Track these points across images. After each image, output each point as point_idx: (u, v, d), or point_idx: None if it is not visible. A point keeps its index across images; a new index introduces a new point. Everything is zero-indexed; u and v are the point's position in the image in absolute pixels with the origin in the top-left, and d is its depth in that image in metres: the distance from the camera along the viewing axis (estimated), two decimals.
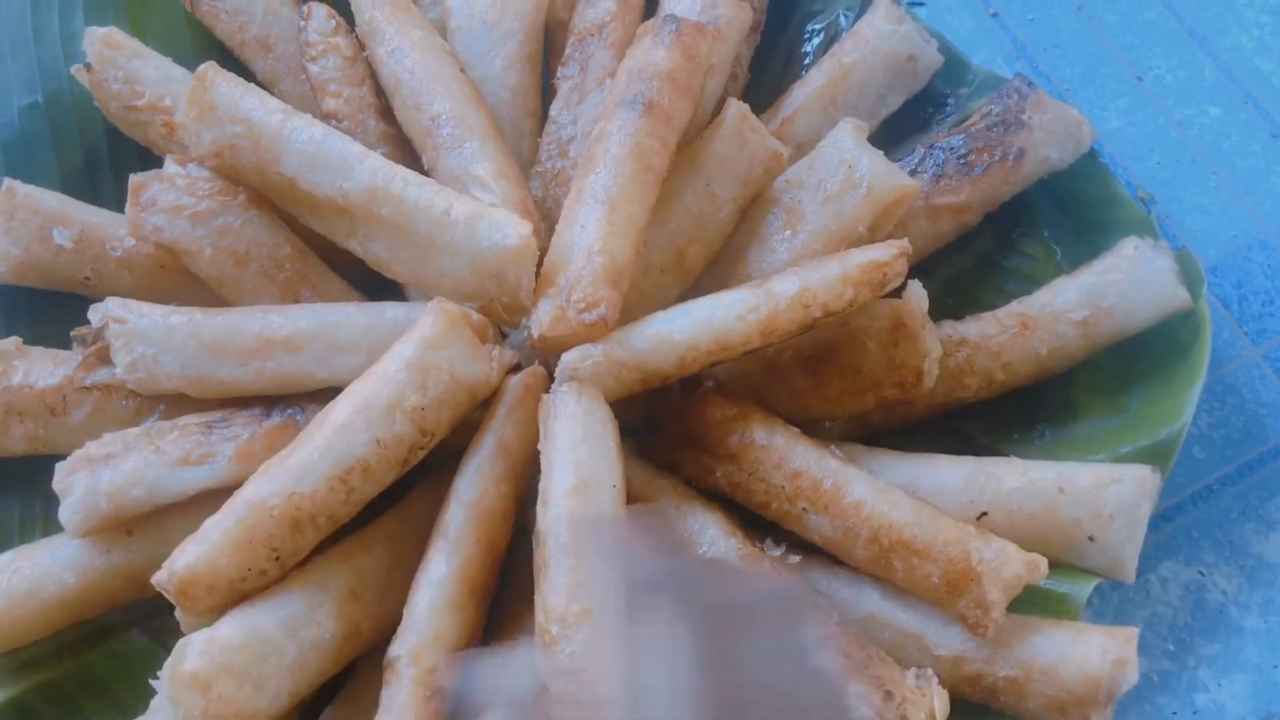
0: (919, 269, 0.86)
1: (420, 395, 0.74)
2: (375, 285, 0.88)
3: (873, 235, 0.85)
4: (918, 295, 0.81)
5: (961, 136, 0.90)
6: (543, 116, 0.93)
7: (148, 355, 0.81)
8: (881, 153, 0.84)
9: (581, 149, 0.87)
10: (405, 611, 0.73)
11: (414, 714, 0.70)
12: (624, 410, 0.77)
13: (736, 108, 0.85)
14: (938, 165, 0.89)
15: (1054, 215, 0.93)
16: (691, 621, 0.51)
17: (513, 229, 0.76)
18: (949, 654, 0.76)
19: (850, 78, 0.92)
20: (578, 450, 0.73)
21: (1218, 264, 0.96)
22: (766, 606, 0.54)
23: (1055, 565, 0.78)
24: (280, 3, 0.95)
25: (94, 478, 0.78)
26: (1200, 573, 0.87)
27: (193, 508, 0.78)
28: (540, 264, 0.79)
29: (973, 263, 0.94)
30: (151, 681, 0.70)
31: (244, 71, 0.93)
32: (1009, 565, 0.74)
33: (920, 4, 1.05)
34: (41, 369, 0.85)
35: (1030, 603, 0.78)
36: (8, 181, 0.88)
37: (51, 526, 0.83)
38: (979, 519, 0.80)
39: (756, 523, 0.81)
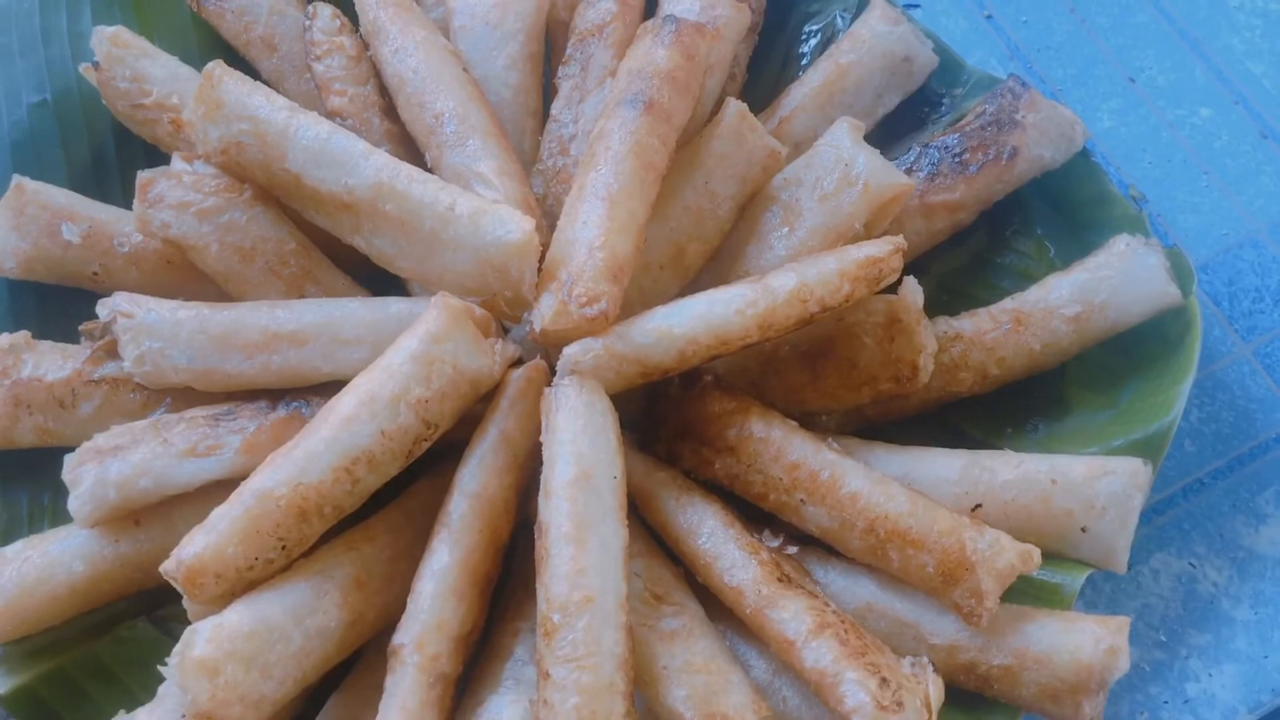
0: (915, 266, 0.87)
1: (424, 388, 0.75)
2: (379, 280, 0.89)
3: (869, 232, 0.86)
4: (913, 291, 0.82)
5: (956, 135, 0.91)
6: (544, 115, 0.95)
7: (155, 349, 0.82)
8: (878, 151, 0.85)
9: (582, 147, 0.88)
10: (409, 600, 0.75)
11: (418, 699, 0.71)
12: (622, 404, 0.78)
13: (735, 107, 0.87)
14: (933, 164, 0.91)
15: (1047, 213, 0.94)
16: None
17: (516, 224, 0.78)
18: (944, 643, 0.77)
19: (847, 78, 0.94)
20: (579, 442, 0.74)
21: (1208, 262, 0.98)
22: None
23: (1048, 556, 0.79)
24: (285, 3, 0.96)
25: (102, 469, 0.80)
26: (1191, 564, 0.89)
27: (200, 498, 0.79)
28: (542, 259, 0.81)
29: (967, 260, 0.95)
30: (160, 668, 0.71)
31: (250, 70, 0.94)
32: (1003, 555, 0.76)
33: (916, 5, 1.07)
34: (51, 363, 0.86)
35: (1024, 593, 0.79)
36: (17, 178, 0.89)
37: (61, 517, 0.84)
38: (973, 510, 0.81)
39: (755, 514, 0.82)
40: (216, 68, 0.84)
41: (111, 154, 0.97)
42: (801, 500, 0.79)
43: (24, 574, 0.81)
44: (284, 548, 0.73)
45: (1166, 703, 0.85)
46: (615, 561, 0.73)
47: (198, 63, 0.90)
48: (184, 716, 0.76)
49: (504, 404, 0.79)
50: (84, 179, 0.95)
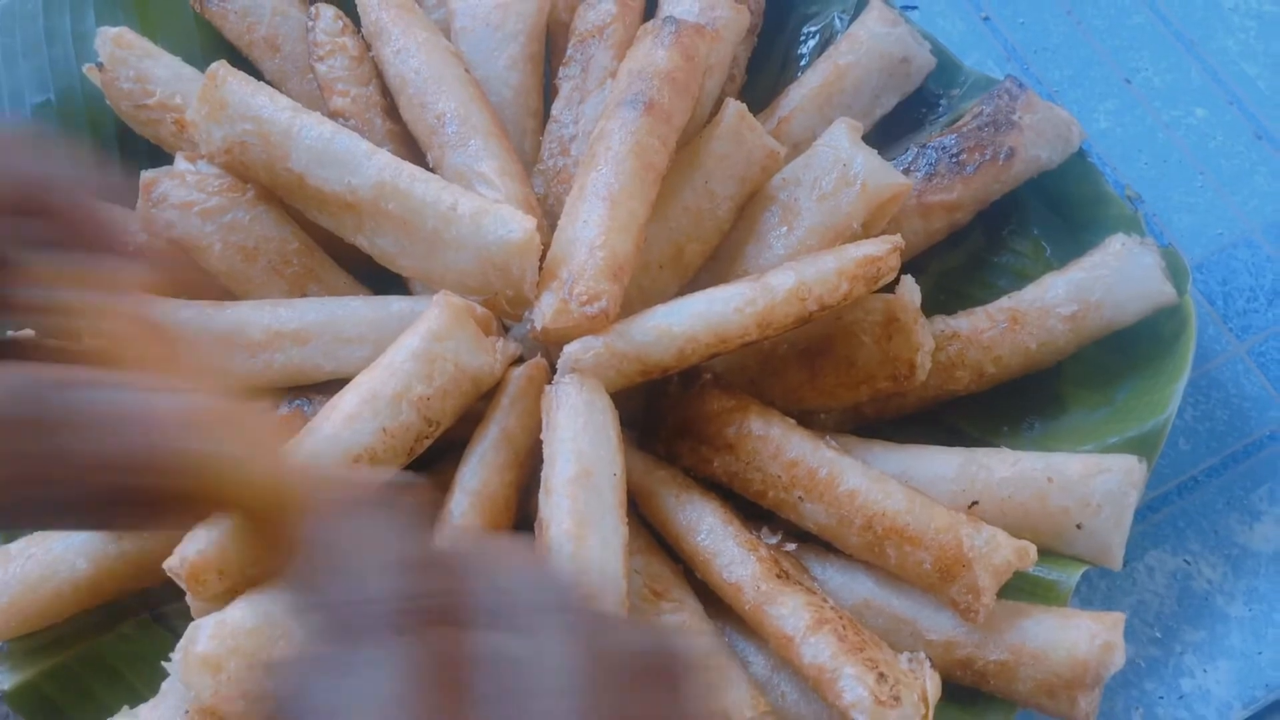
0: (912, 265, 0.88)
1: (426, 386, 0.76)
2: (380, 280, 0.90)
3: (867, 232, 0.87)
4: (911, 290, 0.83)
5: (954, 136, 0.92)
6: (545, 116, 0.95)
7: None
8: (875, 151, 0.86)
9: (583, 147, 0.89)
10: None
11: None
12: (622, 402, 0.78)
13: (734, 107, 0.87)
14: (930, 164, 0.91)
15: (1044, 213, 0.95)
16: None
17: (517, 224, 0.78)
18: (940, 638, 0.78)
19: (845, 78, 0.94)
20: (579, 440, 0.75)
21: (1203, 261, 0.99)
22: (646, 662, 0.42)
23: (1044, 553, 0.80)
24: (288, 4, 0.97)
25: None
26: (1186, 561, 0.89)
27: None
28: (543, 259, 0.81)
29: (964, 259, 0.96)
30: (164, 664, 0.72)
31: (253, 71, 0.95)
32: (999, 552, 0.76)
33: (913, 7, 1.07)
34: None
35: (1020, 589, 0.80)
36: None
37: None
38: (970, 508, 0.81)
39: (753, 511, 0.83)
40: (220, 68, 0.84)
41: (115, 154, 0.97)
42: (800, 497, 0.80)
43: (28, 571, 0.81)
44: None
45: (1161, 698, 0.85)
46: (616, 558, 0.73)
47: (201, 64, 0.91)
48: (187, 712, 0.76)
49: (505, 402, 0.80)
50: None
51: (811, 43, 1.02)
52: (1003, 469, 0.82)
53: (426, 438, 0.77)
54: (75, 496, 0.42)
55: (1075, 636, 0.76)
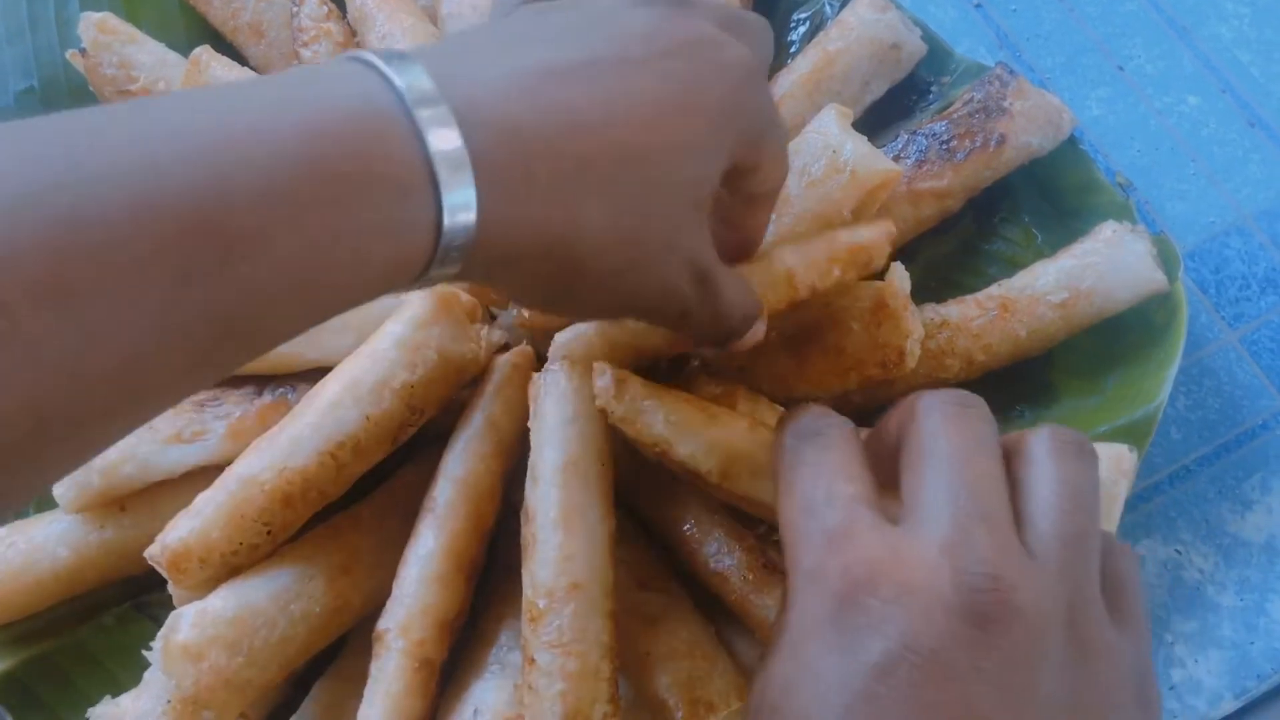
0: (902, 253, 0.87)
1: (409, 373, 0.75)
2: None
3: (857, 219, 0.86)
4: (900, 277, 0.82)
5: (944, 123, 0.91)
6: None
7: None
8: (865, 138, 0.85)
9: None
10: (394, 585, 0.75)
11: (402, 684, 0.71)
12: None
13: None
14: (920, 151, 0.91)
15: (1035, 201, 0.94)
16: None
17: None
18: None
19: (835, 65, 0.94)
20: (567, 428, 0.74)
21: (1196, 249, 0.98)
22: None
23: None
24: None
25: None
26: (1177, 551, 0.89)
27: (185, 484, 0.79)
28: None
29: (955, 247, 0.95)
30: (144, 652, 0.71)
31: (237, 57, 0.94)
32: None
33: None
34: None
35: None
36: None
37: (46, 503, 0.84)
38: None
39: None
40: (203, 53, 0.84)
41: None
42: None
43: (8, 560, 0.80)
44: (269, 532, 0.73)
45: None
46: (602, 548, 0.73)
47: (185, 49, 0.90)
48: (169, 702, 0.76)
49: (490, 389, 0.79)
50: None
51: (802, 29, 1.01)
52: None
53: (411, 425, 0.77)
54: None
55: None
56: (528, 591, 0.72)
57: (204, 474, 0.78)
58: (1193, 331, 0.93)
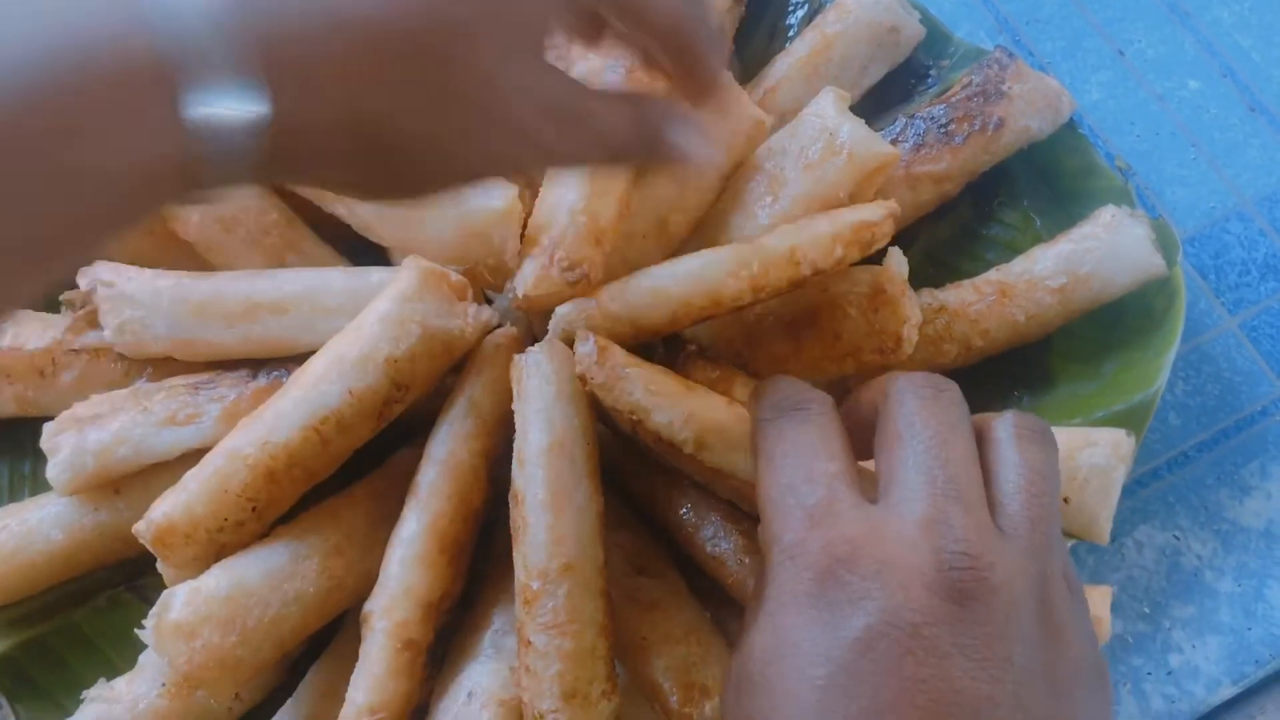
0: (900, 237, 0.86)
1: (394, 347, 0.75)
2: (360, 252, 0.89)
3: (854, 202, 0.85)
4: (898, 261, 0.82)
5: (942, 106, 0.91)
6: None
7: (135, 318, 0.81)
8: (863, 121, 0.85)
9: None
10: (381, 568, 0.75)
11: (385, 665, 0.71)
12: None
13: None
14: (919, 134, 0.90)
15: (1033, 185, 0.94)
16: None
17: (499, 191, 0.78)
18: None
19: (833, 48, 0.93)
20: (552, 410, 0.74)
21: (1196, 235, 0.98)
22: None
23: None
24: None
25: (81, 437, 0.79)
26: (1175, 537, 0.88)
27: (180, 467, 0.78)
28: (524, 229, 0.80)
29: (953, 232, 0.95)
30: (137, 631, 0.71)
31: None
32: None
33: None
34: (31, 332, 0.86)
35: None
36: None
37: (41, 485, 0.84)
38: None
39: None
40: None
41: None
42: None
43: (2, 543, 0.80)
44: (254, 509, 0.73)
45: (1150, 674, 0.85)
46: (592, 528, 0.73)
47: None
48: (164, 684, 0.76)
49: (472, 370, 0.79)
50: None
51: (800, 12, 1.00)
52: None
53: (396, 402, 0.76)
54: None
55: None
56: (520, 574, 0.72)
57: (198, 456, 0.77)
58: (1192, 317, 0.92)
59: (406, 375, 0.76)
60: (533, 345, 0.77)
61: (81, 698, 0.77)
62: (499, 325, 0.82)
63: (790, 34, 1.01)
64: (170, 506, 0.72)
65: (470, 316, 0.79)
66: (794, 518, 0.52)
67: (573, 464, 0.73)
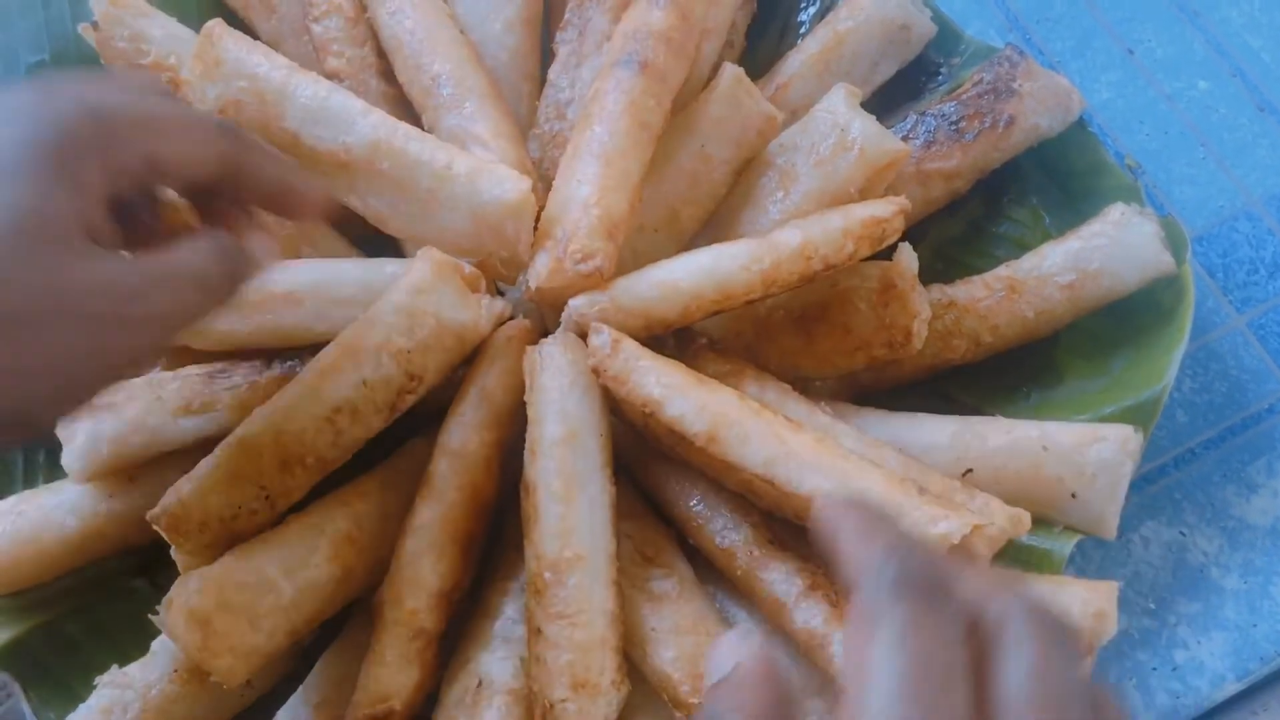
0: (911, 233, 0.87)
1: (406, 338, 0.76)
2: (374, 243, 0.89)
3: (864, 198, 0.86)
4: (908, 257, 0.82)
5: (953, 104, 0.91)
6: (541, 80, 0.95)
7: None
8: (874, 117, 0.85)
9: (579, 111, 0.88)
10: (393, 557, 0.75)
11: (396, 653, 0.72)
12: None
13: (732, 71, 0.87)
14: (929, 131, 0.91)
15: (1043, 182, 0.94)
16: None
17: (512, 184, 0.78)
18: None
19: (844, 45, 0.94)
20: (565, 401, 0.75)
21: (1204, 233, 0.98)
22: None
23: (1038, 521, 0.79)
24: None
25: (96, 425, 0.80)
26: (1182, 533, 0.89)
27: (193, 455, 0.79)
28: (537, 222, 0.81)
29: (963, 228, 0.95)
30: (150, 617, 0.72)
31: (249, 32, 0.94)
32: (993, 519, 0.76)
33: None
34: None
35: (1014, 558, 0.79)
36: None
37: (56, 473, 0.84)
38: (964, 475, 0.81)
39: None
40: (216, 26, 0.83)
41: None
42: None
43: (18, 528, 0.81)
44: (267, 498, 0.74)
45: (1155, 670, 0.85)
46: (604, 519, 0.73)
47: (196, 24, 0.89)
48: (176, 671, 0.77)
49: (484, 361, 0.80)
50: None
51: (812, 9, 1.01)
52: (997, 437, 0.82)
53: (409, 393, 0.77)
54: None
55: (1068, 604, 0.75)
56: (531, 564, 0.73)
57: (212, 444, 0.78)
58: (1200, 315, 0.93)
59: (419, 366, 0.76)
60: (545, 337, 0.78)
61: (94, 683, 0.78)
62: (511, 317, 0.83)
63: (802, 30, 1.01)
64: (184, 494, 0.73)
65: (483, 308, 0.79)
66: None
67: (586, 456, 0.73)
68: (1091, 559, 0.88)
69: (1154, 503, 0.90)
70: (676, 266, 0.78)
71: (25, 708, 0.82)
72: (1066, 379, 0.89)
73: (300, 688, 0.78)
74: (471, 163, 0.79)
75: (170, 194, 0.67)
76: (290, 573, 0.73)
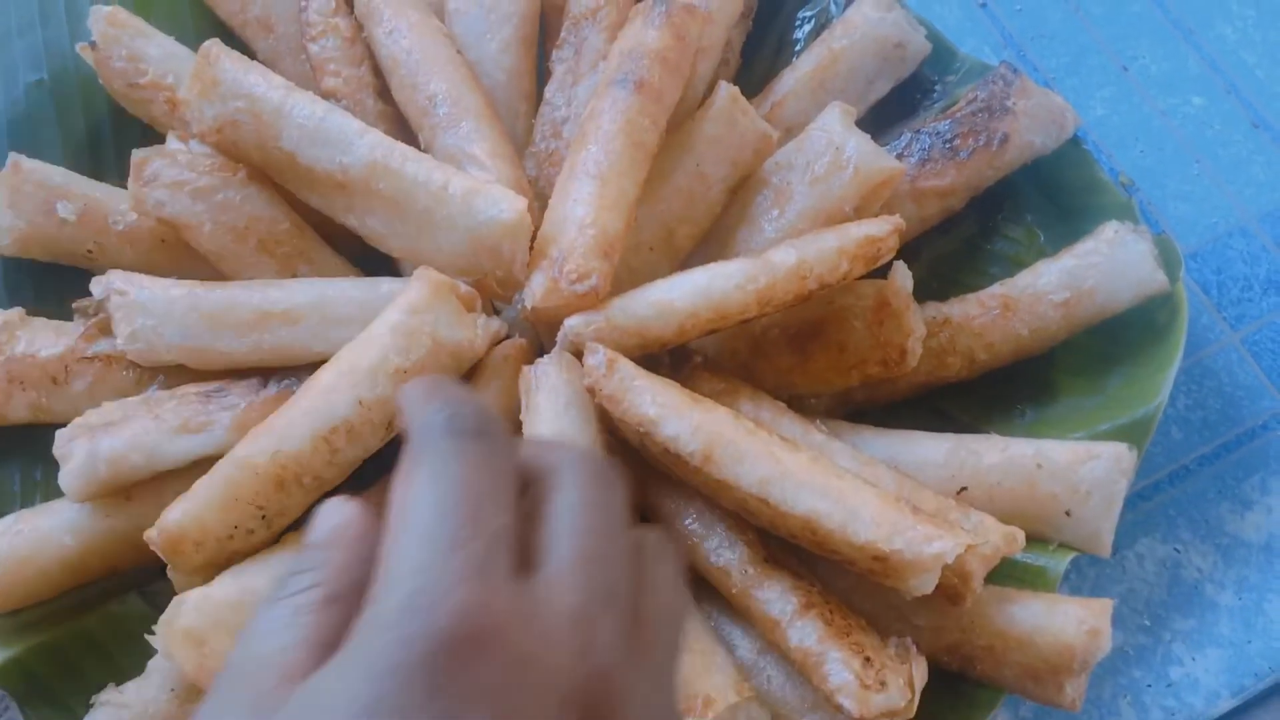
0: (905, 251, 0.87)
1: (403, 358, 0.76)
2: (371, 263, 0.90)
3: (859, 216, 0.86)
4: (903, 275, 0.83)
5: (948, 121, 0.92)
6: (537, 99, 0.95)
7: (148, 326, 0.82)
8: (868, 136, 0.86)
9: (575, 130, 0.89)
10: None
11: None
12: None
13: (727, 90, 0.87)
14: (924, 149, 0.91)
15: (1037, 200, 0.94)
16: None
17: (508, 204, 0.78)
18: (928, 624, 0.78)
19: (839, 63, 0.94)
20: (559, 421, 0.75)
21: (1198, 250, 0.98)
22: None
23: (1033, 539, 0.80)
24: None
25: (94, 444, 0.80)
26: (1176, 550, 0.89)
27: (191, 474, 0.79)
28: (533, 241, 0.81)
29: (957, 246, 0.96)
30: (147, 637, 0.72)
31: (246, 51, 0.94)
32: (987, 538, 0.76)
33: None
34: (44, 339, 0.87)
35: (1008, 576, 0.80)
36: (14, 156, 0.89)
37: (53, 492, 0.84)
38: (959, 493, 0.81)
39: None
40: (213, 46, 0.84)
41: (108, 133, 0.97)
42: None
43: (15, 547, 0.81)
44: (264, 517, 0.74)
45: (1150, 686, 0.85)
46: None
47: (194, 44, 0.90)
48: (173, 690, 0.77)
49: (480, 381, 0.80)
50: (80, 158, 0.96)
51: (807, 28, 1.01)
52: (992, 455, 0.82)
53: None
54: None
55: (1062, 622, 0.75)
56: None
57: (209, 464, 0.78)
58: (1194, 332, 0.93)
59: None
60: (541, 356, 0.78)
61: (91, 702, 0.78)
62: (507, 336, 0.83)
63: (797, 48, 1.01)
64: (181, 514, 0.73)
65: (479, 327, 0.79)
66: (437, 562, 0.42)
67: None
68: (1086, 576, 0.88)
69: (1148, 519, 0.90)
70: (672, 286, 0.78)
71: None
72: (1061, 396, 0.89)
73: None
74: (468, 183, 0.79)
75: None
76: None
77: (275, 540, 0.77)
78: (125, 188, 0.87)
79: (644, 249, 0.87)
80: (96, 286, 0.84)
